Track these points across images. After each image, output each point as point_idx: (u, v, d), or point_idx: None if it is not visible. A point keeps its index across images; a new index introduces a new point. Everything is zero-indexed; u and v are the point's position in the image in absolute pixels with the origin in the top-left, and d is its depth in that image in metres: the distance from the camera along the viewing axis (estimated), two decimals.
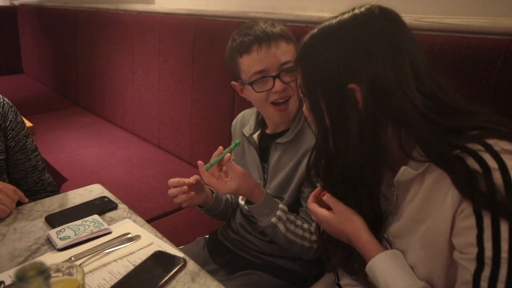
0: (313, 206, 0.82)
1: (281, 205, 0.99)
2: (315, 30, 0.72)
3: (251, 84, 0.99)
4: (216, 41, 1.72)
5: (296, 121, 1.03)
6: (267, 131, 1.10)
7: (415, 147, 0.67)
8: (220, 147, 0.99)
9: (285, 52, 0.96)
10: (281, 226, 0.96)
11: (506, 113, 0.91)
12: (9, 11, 4.20)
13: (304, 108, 0.77)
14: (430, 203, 0.66)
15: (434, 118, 0.63)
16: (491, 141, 0.59)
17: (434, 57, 1.02)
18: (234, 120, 1.22)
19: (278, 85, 0.97)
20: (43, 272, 0.40)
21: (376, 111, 0.65)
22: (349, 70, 0.65)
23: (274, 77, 0.97)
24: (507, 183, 0.56)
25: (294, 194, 1.02)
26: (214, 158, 0.98)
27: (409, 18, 0.88)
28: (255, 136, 1.10)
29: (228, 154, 0.97)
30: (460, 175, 0.59)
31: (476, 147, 0.59)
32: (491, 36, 0.97)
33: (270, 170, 1.07)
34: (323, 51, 0.68)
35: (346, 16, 0.69)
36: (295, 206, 1.04)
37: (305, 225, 1.00)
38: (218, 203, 1.14)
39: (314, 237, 0.99)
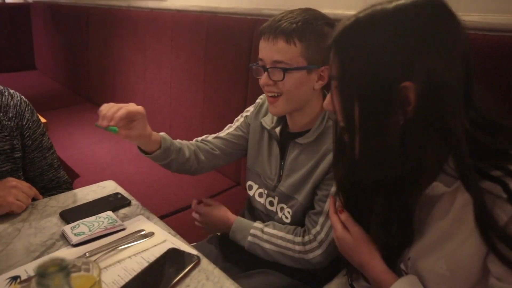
0: (335, 219, 0.77)
1: (255, 224, 1.04)
2: (362, 14, 0.61)
3: (251, 67, 1.01)
4: (229, 38, 1.71)
5: (318, 123, 1.01)
6: (288, 129, 1.08)
7: (447, 160, 0.61)
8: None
9: (279, 51, 0.94)
10: (260, 243, 1.03)
11: None
12: (23, 8, 4.25)
13: (327, 101, 0.70)
14: (462, 223, 0.60)
15: (477, 134, 0.58)
16: None
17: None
18: (262, 97, 1.17)
19: (263, 78, 0.97)
20: (64, 268, 0.40)
21: (428, 114, 0.58)
22: (406, 65, 0.57)
23: (264, 69, 0.97)
24: None
25: (308, 196, 1.01)
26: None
27: None
28: (277, 130, 1.08)
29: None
30: (481, 204, 0.55)
31: None
32: (509, 34, 0.95)
33: (286, 168, 1.06)
34: (373, 39, 0.59)
35: (403, 1, 0.59)
36: (308, 209, 1.03)
37: (289, 236, 1.02)
38: (166, 153, 1.06)
39: (299, 247, 1.00)
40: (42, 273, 0.39)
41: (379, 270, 0.70)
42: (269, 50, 0.95)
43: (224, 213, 1.11)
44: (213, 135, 1.19)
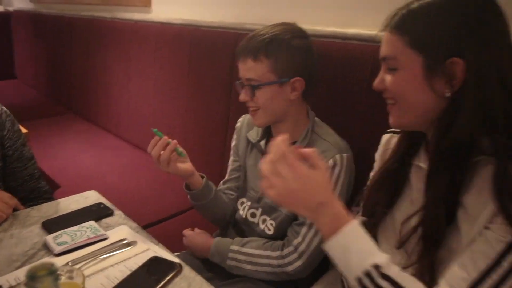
0: (296, 161, 0.65)
1: (232, 246, 1.08)
2: (416, 3, 0.69)
3: (235, 83, 1.10)
4: (212, 51, 1.74)
5: (303, 136, 1.05)
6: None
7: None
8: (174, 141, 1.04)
9: (249, 69, 1.02)
10: (240, 265, 1.06)
11: None
12: (3, 17, 4.20)
13: (378, 81, 0.73)
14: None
15: None
16: None
17: None
18: (240, 120, 1.24)
19: (241, 95, 1.06)
20: (53, 272, 0.42)
21: (473, 90, 0.63)
22: (457, 43, 0.64)
23: (242, 87, 1.06)
24: None
25: None
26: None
27: None
28: (262, 143, 1.12)
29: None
30: (504, 168, 0.58)
31: None
32: None
33: None
34: (433, 19, 0.66)
35: None
36: (293, 220, 1.06)
37: (266, 252, 1.05)
38: (208, 190, 1.14)
39: (277, 261, 1.03)
40: (32, 276, 0.41)
41: (340, 205, 0.66)
42: (242, 69, 1.04)
43: (206, 239, 1.17)
44: (222, 183, 1.26)
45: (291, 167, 0.63)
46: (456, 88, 0.65)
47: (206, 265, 1.16)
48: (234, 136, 1.25)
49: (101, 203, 1.09)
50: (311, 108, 1.12)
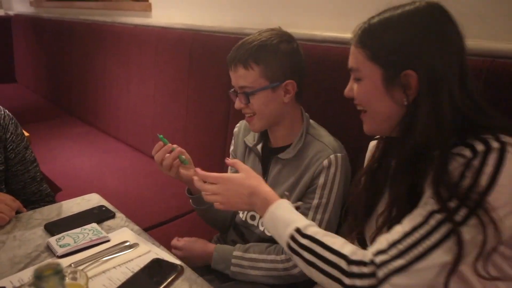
0: (215, 174, 0.86)
1: (235, 252, 1.08)
2: (375, 19, 0.75)
3: (229, 92, 1.10)
4: (212, 55, 1.76)
5: (298, 138, 1.07)
6: (269, 144, 1.14)
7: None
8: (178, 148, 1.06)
9: (241, 77, 1.04)
10: (244, 271, 1.06)
11: None
12: (4, 21, 4.22)
13: (348, 89, 0.80)
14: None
15: (467, 113, 0.68)
16: (508, 138, 0.64)
17: None
18: (238, 125, 1.26)
19: (236, 102, 1.08)
20: (59, 271, 0.43)
21: (426, 98, 0.69)
22: (410, 57, 0.70)
23: (236, 95, 1.07)
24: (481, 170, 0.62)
25: None
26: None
27: None
28: (259, 147, 1.14)
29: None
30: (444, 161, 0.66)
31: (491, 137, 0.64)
32: (473, 58, 1.03)
33: (268, 182, 1.11)
34: (389, 34, 0.72)
35: (408, 7, 0.73)
36: None
37: (270, 256, 1.05)
38: None
39: (283, 265, 1.03)
40: (39, 276, 0.42)
41: (268, 189, 0.84)
42: (234, 78, 1.06)
43: (203, 245, 1.16)
44: None
45: (217, 182, 0.85)
46: (412, 97, 0.71)
47: (207, 267, 1.17)
48: (232, 141, 1.26)
49: (102, 206, 1.10)
50: (307, 111, 1.14)
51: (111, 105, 2.58)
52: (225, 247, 1.13)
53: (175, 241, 1.19)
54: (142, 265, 0.85)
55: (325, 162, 1.01)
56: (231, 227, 1.24)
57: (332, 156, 1.02)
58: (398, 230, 0.67)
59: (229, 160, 0.93)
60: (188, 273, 0.85)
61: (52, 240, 0.92)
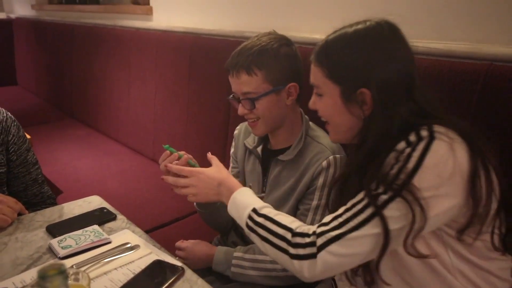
0: (190, 169, 0.95)
1: (235, 253, 1.08)
2: (331, 36, 0.81)
3: (228, 99, 1.11)
4: (212, 58, 1.78)
5: (297, 140, 1.08)
6: (269, 146, 1.15)
7: None
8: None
9: (244, 83, 1.03)
10: (244, 272, 1.06)
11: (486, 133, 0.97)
12: (5, 24, 4.24)
13: (311, 102, 0.85)
14: None
15: (410, 119, 0.74)
16: (440, 128, 0.71)
17: (419, 78, 1.08)
18: (238, 127, 1.27)
19: (239, 109, 1.08)
20: (63, 272, 0.44)
21: (379, 113, 0.75)
22: (363, 75, 0.76)
23: (238, 101, 1.07)
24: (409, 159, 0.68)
25: (291, 211, 1.07)
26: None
27: None
28: (259, 149, 1.15)
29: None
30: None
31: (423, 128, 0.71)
32: (472, 61, 1.04)
33: (268, 184, 1.12)
34: (340, 54, 0.78)
35: (360, 26, 0.78)
36: None
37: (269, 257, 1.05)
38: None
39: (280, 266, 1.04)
40: (43, 276, 0.43)
41: (235, 182, 0.92)
42: (236, 84, 1.06)
43: (205, 247, 1.17)
44: None
45: (190, 175, 0.94)
46: (368, 112, 0.77)
47: (208, 269, 1.18)
48: (233, 144, 1.27)
49: (104, 208, 1.11)
50: (306, 113, 1.15)
51: (112, 108, 2.59)
52: (226, 249, 1.13)
53: (179, 243, 1.20)
54: (143, 267, 0.86)
55: (324, 163, 1.02)
56: (232, 229, 1.25)
57: (331, 157, 1.03)
58: (341, 208, 0.75)
59: (209, 155, 1.00)
60: (188, 274, 0.86)
61: (54, 242, 0.93)
